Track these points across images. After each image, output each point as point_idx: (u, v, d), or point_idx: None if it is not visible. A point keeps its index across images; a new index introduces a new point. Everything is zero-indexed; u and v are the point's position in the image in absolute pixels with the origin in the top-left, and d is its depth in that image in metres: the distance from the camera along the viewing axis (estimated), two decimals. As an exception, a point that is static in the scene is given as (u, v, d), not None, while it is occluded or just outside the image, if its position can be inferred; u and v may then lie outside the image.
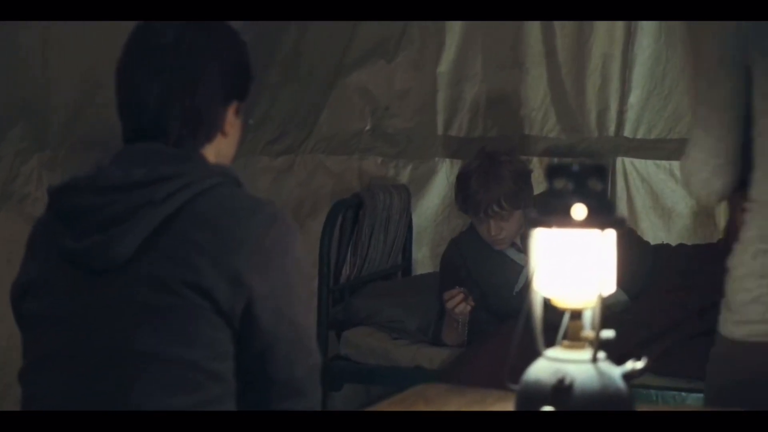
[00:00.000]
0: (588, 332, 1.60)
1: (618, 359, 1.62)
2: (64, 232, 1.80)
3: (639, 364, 1.60)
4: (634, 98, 4.30)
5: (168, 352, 1.75)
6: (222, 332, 1.77)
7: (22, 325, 1.89)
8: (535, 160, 4.38)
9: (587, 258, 1.56)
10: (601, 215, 1.55)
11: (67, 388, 1.79)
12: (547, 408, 1.54)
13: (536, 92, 4.41)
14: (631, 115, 4.32)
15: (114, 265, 1.76)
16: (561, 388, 1.54)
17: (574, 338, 1.61)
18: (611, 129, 4.36)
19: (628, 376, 1.59)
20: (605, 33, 4.26)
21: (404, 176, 4.49)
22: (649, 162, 4.34)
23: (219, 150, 1.91)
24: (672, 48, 4.19)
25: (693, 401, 3.11)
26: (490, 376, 1.77)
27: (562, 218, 1.55)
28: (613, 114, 4.34)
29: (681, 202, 4.26)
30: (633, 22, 4.19)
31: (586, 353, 1.59)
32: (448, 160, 4.53)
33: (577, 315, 1.61)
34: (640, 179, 4.36)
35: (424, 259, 4.49)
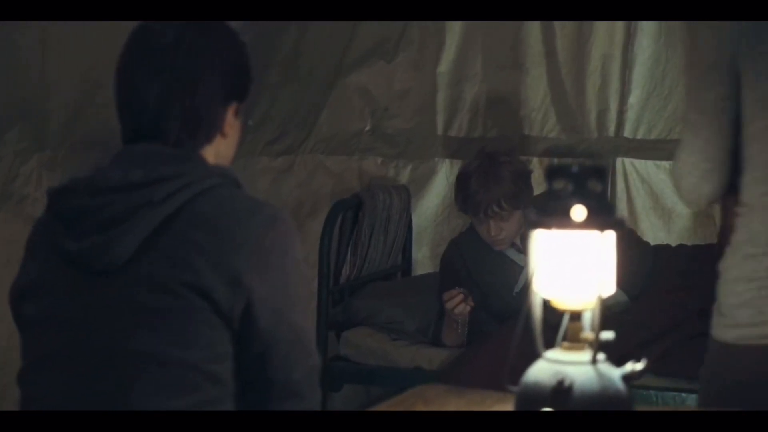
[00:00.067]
0: (588, 333, 1.60)
1: (618, 360, 1.61)
2: (63, 232, 1.80)
3: (639, 366, 1.60)
4: (634, 99, 4.29)
5: (167, 353, 1.74)
6: (221, 333, 1.77)
7: (22, 326, 1.88)
8: (534, 160, 4.37)
9: (587, 259, 1.56)
10: (601, 216, 1.55)
11: (67, 388, 1.79)
12: (547, 409, 1.54)
13: (536, 92, 4.40)
14: (631, 116, 4.31)
15: (113, 265, 1.76)
16: (560, 390, 1.54)
17: (573, 339, 1.60)
18: (611, 129, 4.35)
19: (627, 378, 1.59)
20: (605, 33, 4.25)
21: (404, 176, 4.49)
22: (649, 162, 4.33)
23: (218, 151, 1.90)
24: (672, 48, 4.18)
25: (693, 402, 3.10)
26: (490, 377, 1.76)
27: (562, 219, 1.55)
28: (613, 114, 4.33)
29: (681, 203, 4.24)
30: (633, 23, 4.18)
31: (586, 355, 1.59)
32: (447, 160, 4.52)
33: (576, 316, 1.60)
34: (640, 180, 4.36)
35: (423, 260, 4.49)
